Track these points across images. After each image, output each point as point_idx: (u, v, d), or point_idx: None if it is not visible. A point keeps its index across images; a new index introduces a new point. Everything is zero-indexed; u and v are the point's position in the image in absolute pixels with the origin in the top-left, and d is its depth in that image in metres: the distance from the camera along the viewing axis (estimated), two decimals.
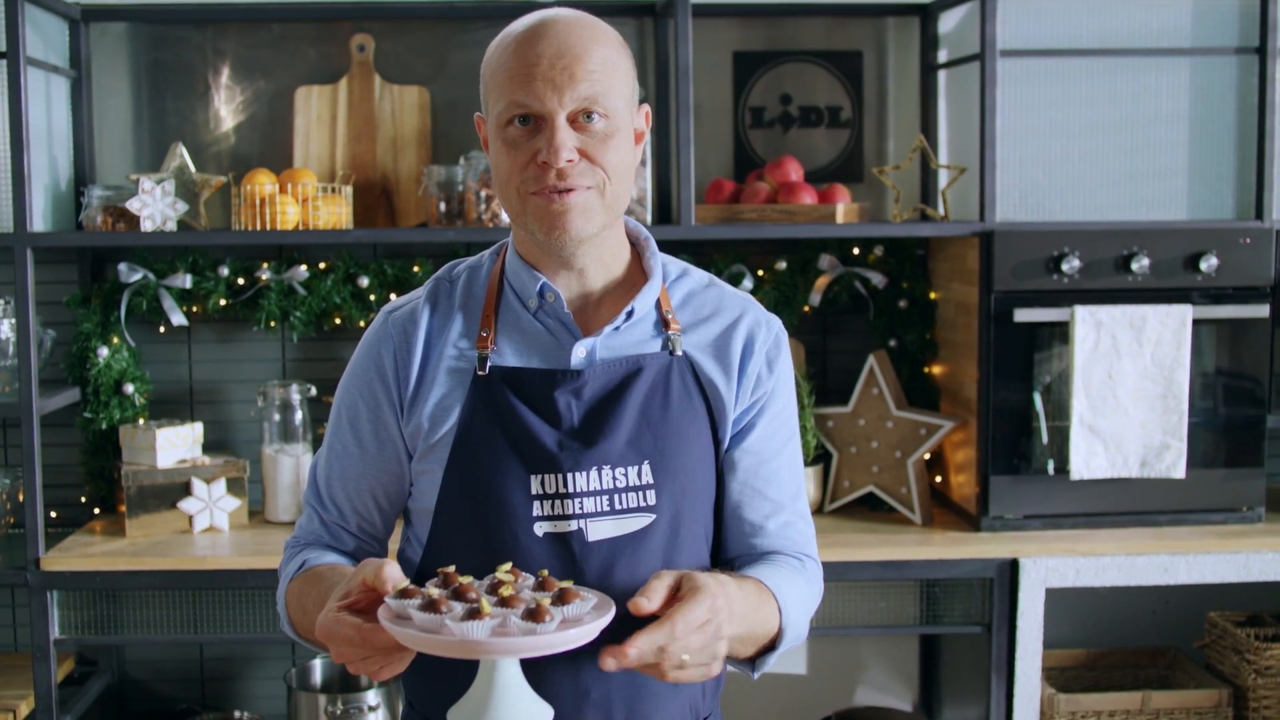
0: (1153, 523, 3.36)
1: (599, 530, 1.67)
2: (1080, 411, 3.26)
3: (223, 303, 3.51)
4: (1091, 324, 3.24)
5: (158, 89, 3.60)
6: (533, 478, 1.67)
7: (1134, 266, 3.26)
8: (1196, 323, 3.30)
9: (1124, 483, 3.33)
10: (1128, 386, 3.27)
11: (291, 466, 3.44)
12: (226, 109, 3.61)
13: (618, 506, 1.68)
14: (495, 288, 1.75)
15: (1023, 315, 3.26)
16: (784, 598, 1.68)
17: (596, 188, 1.63)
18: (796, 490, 1.82)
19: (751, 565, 1.75)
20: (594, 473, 1.67)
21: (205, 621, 3.21)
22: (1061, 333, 3.30)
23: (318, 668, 3.56)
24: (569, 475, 1.66)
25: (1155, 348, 3.27)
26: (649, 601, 1.48)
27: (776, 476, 1.79)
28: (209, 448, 3.58)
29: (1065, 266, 3.24)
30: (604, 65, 1.61)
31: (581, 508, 1.67)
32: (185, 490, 3.36)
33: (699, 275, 1.83)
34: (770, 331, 1.79)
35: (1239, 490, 3.40)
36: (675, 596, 1.52)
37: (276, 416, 3.48)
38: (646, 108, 1.72)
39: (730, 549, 1.80)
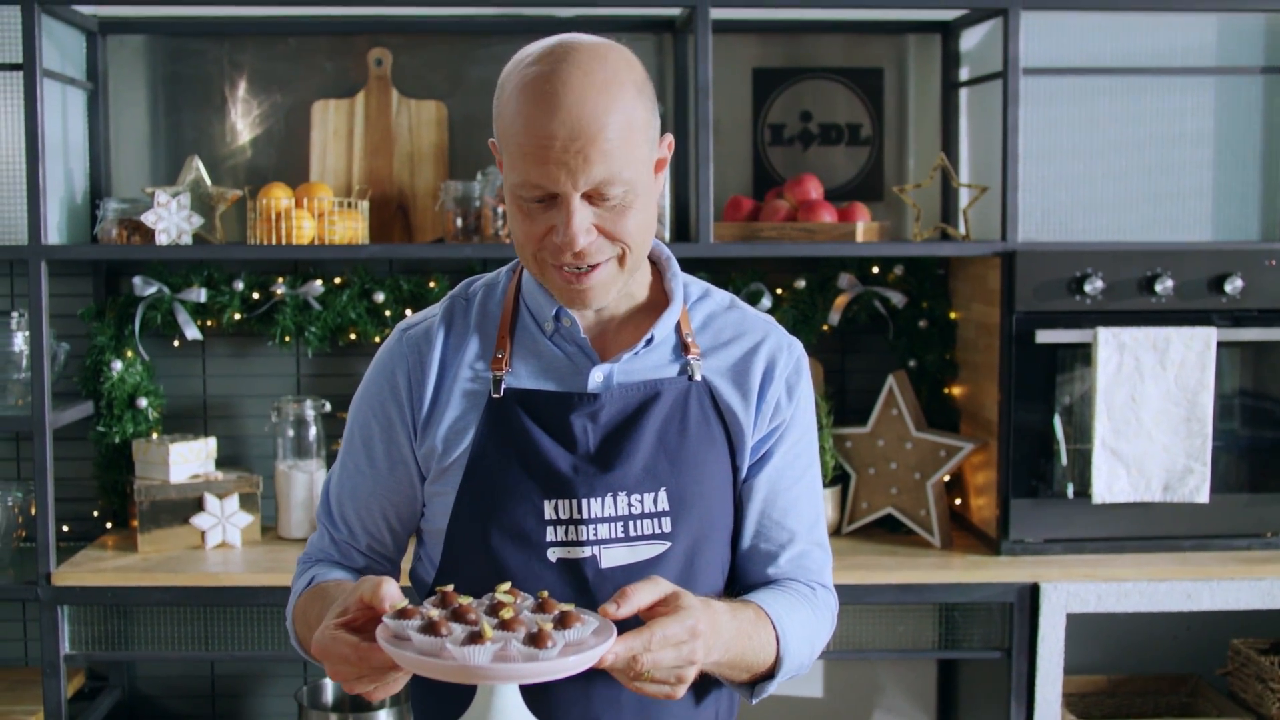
0: (1176, 548, 3.31)
1: (613, 557, 1.65)
2: (1102, 434, 3.22)
3: (237, 317, 3.49)
4: (1114, 346, 3.20)
5: (174, 102, 3.59)
6: (546, 503, 1.64)
7: (1158, 288, 3.22)
8: (1220, 345, 3.25)
9: (1146, 507, 3.28)
10: (1151, 409, 3.23)
11: (305, 483, 3.42)
12: (243, 122, 3.60)
13: (632, 533, 1.65)
14: (511, 307, 1.72)
15: (1045, 336, 3.22)
16: (784, 626, 1.65)
17: (616, 258, 1.60)
18: (815, 518, 1.79)
19: (757, 591, 1.72)
20: (609, 499, 1.64)
21: (216, 638, 3.19)
22: (1084, 354, 3.26)
23: (329, 686, 3.53)
24: (583, 501, 1.64)
25: (1179, 370, 3.22)
26: (617, 608, 1.46)
27: (794, 506, 1.76)
28: (222, 463, 3.56)
29: (1088, 287, 3.20)
30: (621, 135, 1.53)
31: (595, 534, 1.64)
32: (198, 505, 3.33)
33: (720, 296, 1.80)
34: (791, 357, 1.76)
35: (1263, 515, 3.35)
36: (662, 609, 1.50)
37: (290, 432, 3.46)
38: (669, 137, 1.66)
39: (746, 577, 1.77)
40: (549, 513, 1.64)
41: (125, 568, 3.17)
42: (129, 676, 3.67)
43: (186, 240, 3.30)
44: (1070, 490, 3.27)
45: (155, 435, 3.46)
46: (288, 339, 3.49)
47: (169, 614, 3.17)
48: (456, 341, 1.72)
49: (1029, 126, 3.34)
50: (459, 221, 3.39)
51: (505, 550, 1.65)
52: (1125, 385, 3.22)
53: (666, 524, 1.66)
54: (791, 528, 1.76)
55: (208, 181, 3.41)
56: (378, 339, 3.53)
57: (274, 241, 3.29)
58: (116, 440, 3.46)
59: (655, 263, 1.77)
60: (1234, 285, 3.24)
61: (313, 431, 3.47)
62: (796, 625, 1.68)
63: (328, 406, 3.50)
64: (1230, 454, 3.34)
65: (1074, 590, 3.18)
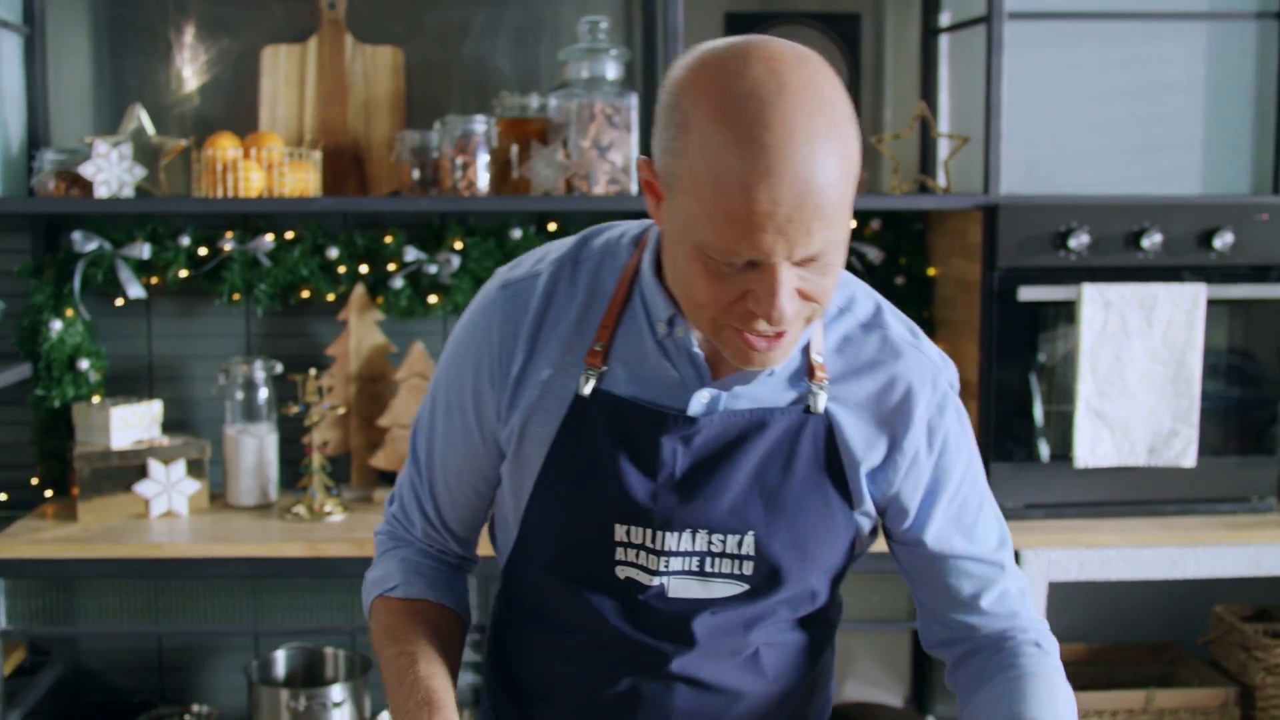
0: (1160, 513, 3.23)
1: (682, 588, 1.50)
2: (1086, 396, 3.12)
3: (183, 274, 3.34)
4: (1100, 303, 3.09)
5: (116, 47, 3.43)
6: (618, 526, 1.48)
7: (1145, 243, 3.12)
8: (1209, 302, 3.15)
9: (1130, 471, 3.19)
10: (1136, 370, 3.13)
11: (255, 448, 3.28)
12: (189, 69, 3.44)
13: (707, 569, 1.49)
14: (624, 291, 1.49)
15: (1027, 293, 3.11)
16: None
17: (805, 320, 1.36)
18: (999, 544, 1.58)
19: (1006, 696, 1.51)
20: (686, 534, 1.47)
21: (163, 611, 3.07)
22: (1068, 312, 3.15)
23: (280, 660, 3.39)
24: (659, 533, 1.47)
25: (1166, 329, 3.12)
26: None
27: (976, 559, 1.56)
28: (168, 427, 3.41)
29: (1072, 242, 3.09)
30: (844, 192, 1.28)
31: (667, 566, 1.49)
32: (142, 472, 3.18)
33: (862, 310, 1.53)
34: (936, 393, 1.51)
35: (1249, 479, 3.27)
36: None
37: (240, 395, 3.31)
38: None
39: (947, 625, 1.60)
40: (619, 535, 1.49)
41: (65, 538, 3.03)
42: (72, 651, 3.53)
43: (128, 193, 3.16)
44: (1052, 454, 3.18)
45: (97, 399, 3.32)
46: (236, 297, 3.34)
47: (112, 586, 3.04)
48: (556, 316, 1.50)
49: (1012, 74, 3.21)
50: (416, 173, 3.24)
51: (572, 558, 1.52)
52: (1110, 344, 3.12)
53: (748, 568, 1.49)
54: (978, 575, 1.56)
55: (151, 131, 3.26)
56: (331, 296, 3.38)
57: (221, 194, 3.14)
58: (56, 404, 3.32)
59: None
60: (1224, 240, 3.14)
61: (263, 394, 3.32)
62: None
63: (279, 368, 3.36)
64: (1217, 416, 3.24)
65: (1055, 557, 3.09)
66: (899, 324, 1.53)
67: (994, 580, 1.56)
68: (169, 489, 3.20)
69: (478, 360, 1.51)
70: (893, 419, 1.49)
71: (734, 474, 1.46)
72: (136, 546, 3.00)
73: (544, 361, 1.48)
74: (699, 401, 1.45)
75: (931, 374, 1.51)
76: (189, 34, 3.43)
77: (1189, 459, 3.16)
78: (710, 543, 1.48)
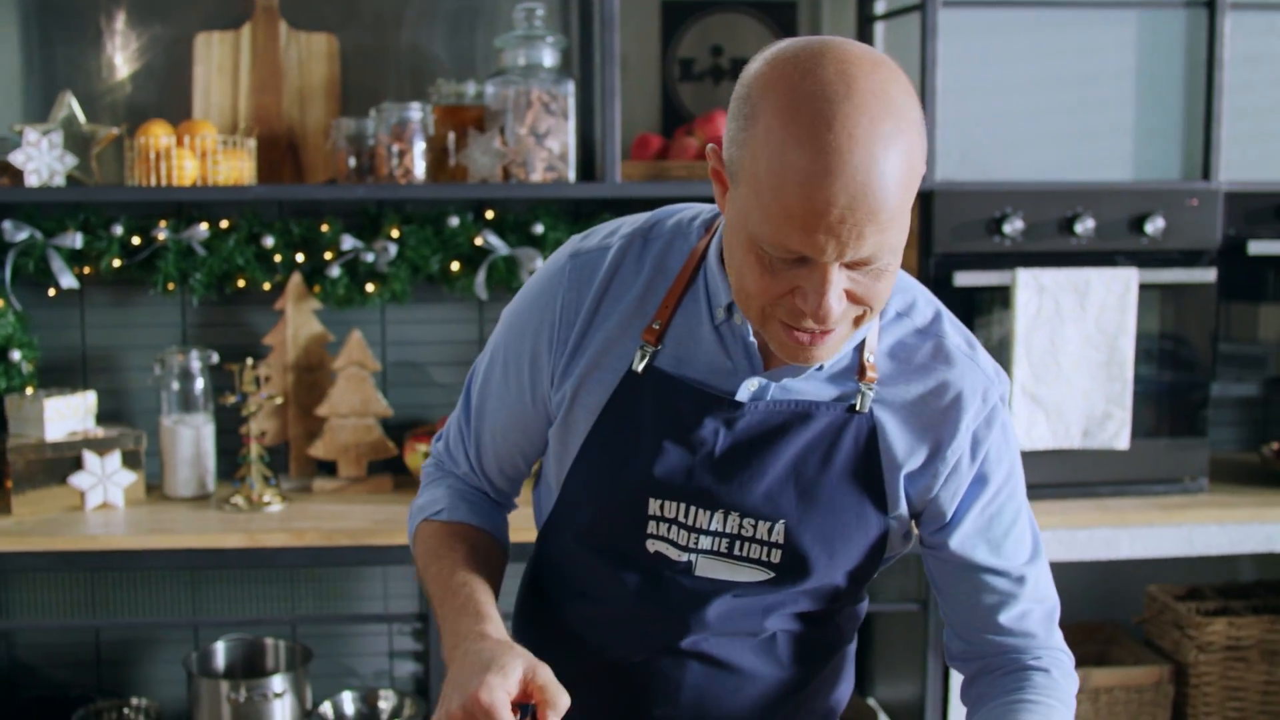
0: (1094, 494, 3.27)
1: (709, 568, 1.52)
2: (1022, 380, 3.15)
3: (117, 264, 3.29)
4: (1034, 288, 3.13)
5: (46, 34, 3.37)
6: (652, 500, 1.50)
7: (1078, 228, 3.16)
8: (1140, 287, 3.19)
9: (1065, 453, 3.23)
10: (1070, 353, 3.16)
11: (192, 439, 3.25)
12: (121, 56, 3.38)
13: (736, 552, 1.51)
14: (689, 273, 1.51)
15: (963, 279, 3.14)
16: None
17: (853, 321, 1.37)
18: (1028, 562, 1.57)
19: (1002, 715, 1.52)
20: (719, 515, 1.49)
21: (100, 604, 3.04)
22: (1003, 297, 3.18)
23: (220, 652, 3.37)
24: (692, 509, 1.49)
25: (1099, 313, 3.16)
26: None
27: (1000, 573, 1.55)
28: (103, 418, 3.37)
29: (1007, 228, 3.13)
30: (903, 197, 1.28)
31: (697, 543, 1.51)
32: (77, 464, 3.15)
33: (921, 315, 1.53)
34: (986, 405, 1.51)
35: (1182, 460, 3.31)
36: None
37: (176, 385, 3.28)
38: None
39: (966, 639, 1.61)
40: (653, 509, 1.51)
41: None
42: (8, 646, 3.48)
43: (60, 182, 3.11)
44: None
45: (30, 390, 3.26)
46: (171, 287, 3.30)
47: (48, 580, 3.02)
48: (620, 289, 1.52)
49: (947, 62, 3.23)
50: (352, 161, 3.22)
51: (607, 528, 1.55)
52: (1045, 329, 3.15)
53: (776, 555, 1.50)
54: (1002, 589, 1.56)
55: (82, 119, 3.21)
56: (267, 285, 3.35)
57: (154, 183, 3.10)
58: None
59: None
60: (1155, 225, 3.18)
61: (199, 384, 3.29)
62: None
63: (215, 358, 3.33)
64: (1149, 398, 3.29)
65: None
66: (956, 333, 1.53)
67: (1015, 597, 1.56)
68: (104, 481, 3.16)
69: (539, 324, 1.54)
70: (938, 425, 1.50)
71: (772, 462, 1.48)
72: (72, 539, 2.96)
73: (603, 333, 1.51)
74: (747, 388, 1.48)
75: (983, 385, 1.51)
76: (120, 20, 3.38)
77: (1122, 441, 3.20)
78: (741, 526, 1.49)
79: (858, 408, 1.48)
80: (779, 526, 1.49)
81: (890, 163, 1.26)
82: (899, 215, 1.29)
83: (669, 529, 1.51)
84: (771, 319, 1.37)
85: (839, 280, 1.31)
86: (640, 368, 1.49)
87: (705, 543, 1.50)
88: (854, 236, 1.27)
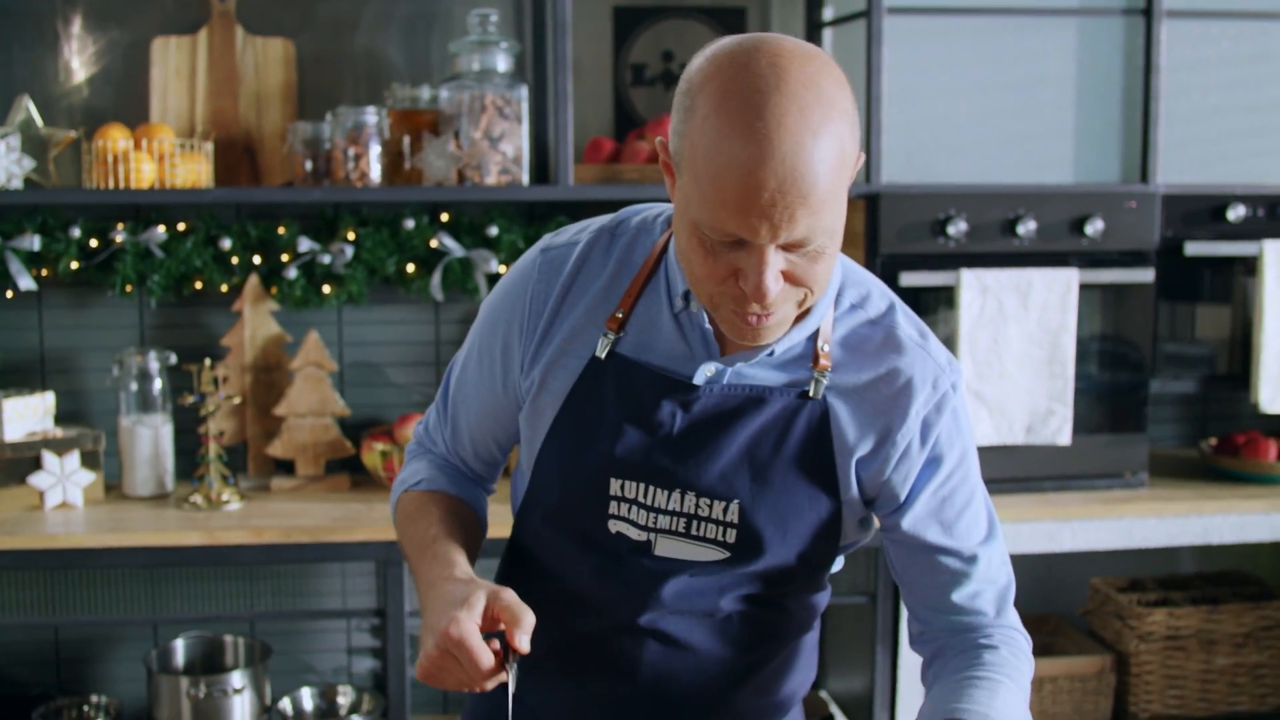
0: (1038, 489, 3.34)
1: (668, 548, 1.59)
2: (966, 377, 3.21)
3: (75, 266, 3.32)
4: (977, 288, 3.20)
5: (3, 38, 3.39)
6: (613, 480, 1.57)
7: (1020, 230, 3.23)
8: (1081, 287, 3.27)
9: (1009, 449, 3.30)
10: (1013, 352, 3.24)
11: (150, 438, 3.28)
12: (78, 60, 3.41)
13: (693, 532, 1.57)
14: (651, 265, 1.59)
15: (909, 279, 3.21)
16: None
17: (796, 303, 1.45)
18: (981, 543, 1.62)
19: (953, 687, 1.56)
20: (677, 494, 1.56)
21: (60, 603, 3.06)
22: (947, 297, 3.26)
23: (179, 649, 3.40)
24: (649, 488, 1.56)
25: (1041, 312, 3.23)
26: None
27: (953, 554, 1.61)
28: (61, 419, 3.40)
29: (951, 230, 3.20)
30: (833, 182, 1.36)
31: (656, 522, 1.57)
32: (36, 464, 3.17)
33: (874, 308, 1.60)
34: (937, 392, 1.57)
35: (1122, 456, 3.39)
36: None
37: (134, 386, 3.31)
38: (861, 155, 1.45)
39: (922, 619, 1.67)
40: (614, 489, 1.58)
41: None
42: None
43: (17, 184, 3.14)
44: None
45: None
46: (129, 288, 3.33)
47: (7, 579, 3.04)
48: (586, 281, 1.61)
49: (893, 67, 3.30)
50: (309, 164, 3.26)
51: (572, 509, 1.62)
52: (988, 327, 3.22)
53: (731, 535, 1.57)
54: (952, 568, 1.61)
55: (39, 122, 3.24)
56: (225, 287, 3.39)
57: (112, 185, 3.13)
58: None
59: None
60: (1095, 227, 3.26)
61: (157, 385, 3.32)
62: (1007, 710, 1.54)
63: (173, 358, 3.36)
64: (1090, 396, 3.37)
65: None
66: (908, 324, 1.60)
67: (967, 576, 1.61)
68: (63, 480, 3.19)
69: (510, 315, 1.63)
70: (889, 411, 1.55)
71: (727, 444, 1.55)
72: (31, 538, 2.99)
73: (570, 321, 1.59)
74: (704, 373, 1.55)
75: (934, 373, 1.57)
76: (77, 24, 3.40)
77: (1064, 437, 3.28)
78: (698, 506, 1.56)
79: (811, 394, 1.55)
80: (733, 506, 1.55)
81: (820, 149, 1.33)
82: (830, 199, 1.36)
83: (629, 509, 1.57)
84: (720, 303, 1.44)
85: (776, 262, 1.38)
86: (603, 354, 1.57)
87: (664, 522, 1.57)
88: (786, 219, 1.34)
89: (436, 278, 3.37)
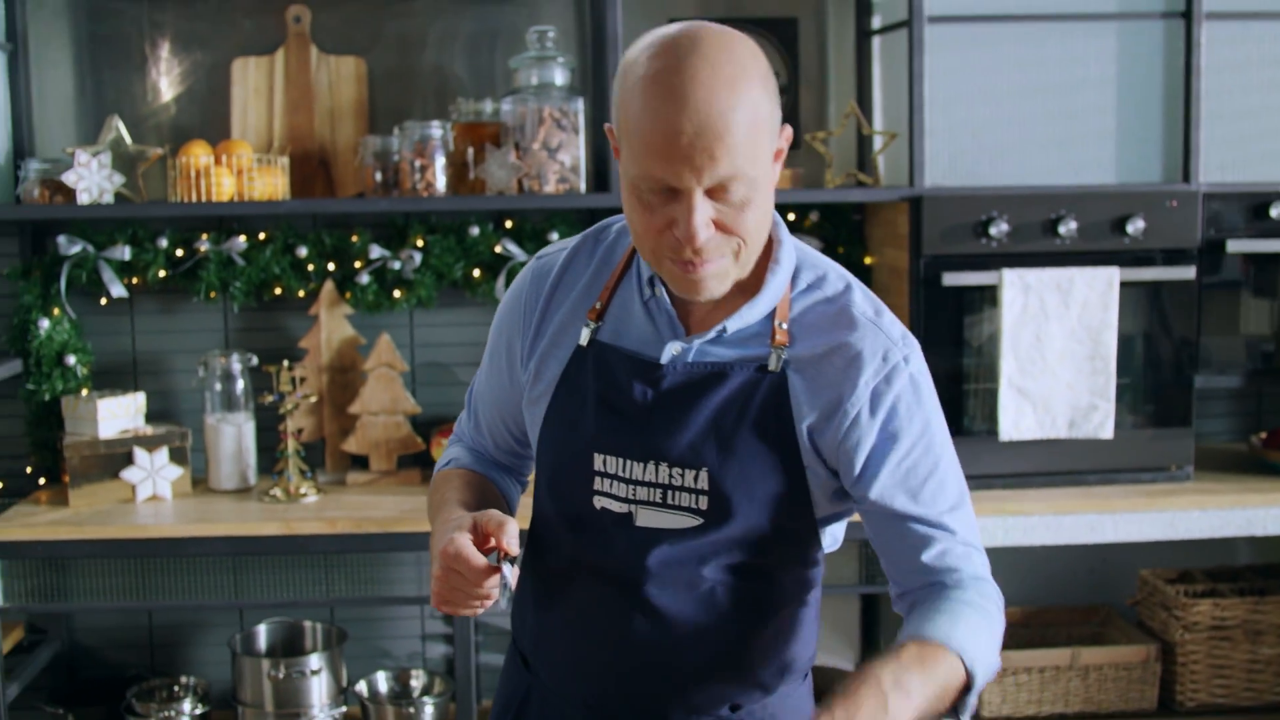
0: (1082, 482, 3.41)
1: (648, 518, 1.72)
2: (1009, 373, 3.30)
3: (162, 274, 3.53)
4: (1019, 287, 3.28)
5: (95, 61, 3.61)
6: (596, 455, 1.73)
7: (1061, 230, 3.30)
8: (1124, 285, 3.33)
9: (1052, 443, 3.37)
10: (1055, 348, 3.31)
11: (233, 435, 3.48)
12: (164, 81, 3.62)
13: (669, 501, 1.71)
14: (626, 262, 1.77)
15: (951, 279, 3.30)
16: (963, 645, 1.61)
17: (732, 253, 1.59)
18: (949, 510, 1.71)
19: (918, 617, 1.66)
20: (651, 465, 1.70)
21: (151, 589, 3.24)
22: (990, 296, 3.34)
23: (262, 633, 3.61)
24: (627, 462, 1.71)
25: (1082, 310, 3.30)
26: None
27: (921, 520, 1.70)
28: (151, 418, 3.61)
29: (993, 230, 3.28)
30: (747, 131, 1.51)
31: (635, 494, 1.72)
32: (128, 460, 3.39)
33: (831, 287, 1.72)
34: (887, 364, 1.66)
35: (1168, 450, 3.44)
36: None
37: (218, 386, 3.51)
38: (788, 128, 1.60)
39: (899, 583, 1.76)
40: (598, 464, 1.73)
41: (58, 522, 3.22)
42: (67, 629, 3.73)
43: (109, 199, 3.34)
44: (972, 428, 3.37)
45: (84, 392, 3.51)
46: (213, 295, 3.54)
47: (103, 566, 3.21)
48: (571, 280, 1.79)
49: (935, 73, 3.39)
50: (379, 175, 3.44)
51: (564, 486, 1.76)
52: (1030, 325, 3.30)
53: (703, 502, 1.70)
54: (921, 534, 1.70)
55: (128, 140, 3.44)
56: (302, 292, 3.58)
57: (195, 199, 3.33)
58: (46, 397, 3.50)
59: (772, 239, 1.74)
60: (1136, 226, 3.32)
61: (240, 385, 3.52)
62: (971, 635, 1.61)
63: (254, 360, 3.55)
64: (1134, 391, 3.43)
65: (983, 525, 3.23)
66: (864, 302, 1.71)
67: (935, 540, 1.69)
68: (153, 475, 3.40)
69: (512, 316, 1.83)
70: (839, 382, 1.66)
71: (694, 416, 1.69)
72: (124, 528, 3.19)
73: (559, 317, 1.79)
74: (669, 352, 1.70)
75: (884, 347, 1.66)
76: (164, 48, 3.61)
77: (1107, 431, 3.34)
78: (671, 475, 1.69)
79: (770, 367, 1.68)
80: (703, 474, 1.68)
81: (733, 97, 1.50)
82: (747, 147, 1.51)
83: (611, 484, 1.72)
84: (661, 256, 1.60)
85: (704, 208, 1.54)
86: (585, 342, 1.75)
87: (642, 493, 1.71)
88: (706, 160, 1.50)
89: (501, 282, 3.54)
